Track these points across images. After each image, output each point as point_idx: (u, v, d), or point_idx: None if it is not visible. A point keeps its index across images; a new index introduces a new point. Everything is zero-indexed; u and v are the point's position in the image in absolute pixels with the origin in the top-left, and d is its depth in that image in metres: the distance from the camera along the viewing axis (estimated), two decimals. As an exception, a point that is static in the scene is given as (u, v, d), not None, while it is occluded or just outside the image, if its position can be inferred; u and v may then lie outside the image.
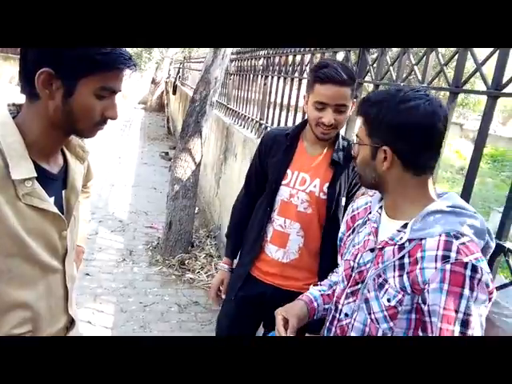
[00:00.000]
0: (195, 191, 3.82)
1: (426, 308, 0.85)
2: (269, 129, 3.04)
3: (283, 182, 1.53)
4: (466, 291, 0.80)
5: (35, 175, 0.86)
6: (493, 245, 0.93)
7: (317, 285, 1.25)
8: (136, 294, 3.08)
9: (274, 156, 1.57)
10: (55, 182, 0.95)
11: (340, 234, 1.20)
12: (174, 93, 11.16)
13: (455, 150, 12.95)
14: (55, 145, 0.94)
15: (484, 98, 1.27)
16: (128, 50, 0.90)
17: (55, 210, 0.91)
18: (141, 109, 15.28)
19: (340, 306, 1.06)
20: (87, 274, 3.20)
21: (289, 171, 1.53)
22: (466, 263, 0.81)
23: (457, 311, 0.81)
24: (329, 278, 1.27)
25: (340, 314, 1.06)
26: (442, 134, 0.91)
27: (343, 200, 1.52)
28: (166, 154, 8.04)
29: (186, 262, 3.56)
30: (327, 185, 1.50)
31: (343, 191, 1.51)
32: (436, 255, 0.85)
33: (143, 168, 6.99)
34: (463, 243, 0.84)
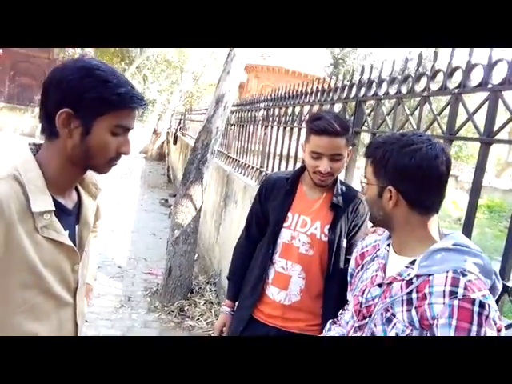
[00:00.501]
0: (195, 237, 3.84)
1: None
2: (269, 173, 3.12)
3: (284, 225, 1.57)
4: (474, 327, 0.82)
5: (53, 208, 0.90)
6: (500, 286, 0.95)
7: (335, 323, 1.25)
8: (133, 341, 3.01)
9: (274, 200, 1.63)
10: (70, 217, 1.00)
11: (350, 270, 1.24)
12: (175, 143, 11.43)
13: (452, 200, 13.10)
14: (71, 181, 0.99)
15: (476, 152, 1.35)
16: (135, 118, 0.97)
17: (70, 243, 0.95)
18: (142, 158, 15.56)
19: None
20: (85, 321, 3.13)
21: (289, 214, 1.58)
22: (474, 299, 0.83)
23: None
24: (342, 316, 1.27)
25: None
26: (444, 177, 0.96)
27: (344, 242, 1.56)
28: (166, 201, 8.11)
29: (186, 309, 3.51)
30: (328, 227, 1.54)
31: (344, 233, 1.56)
32: (444, 291, 0.87)
33: (143, 214, 7.03)
34: (470, 280, 0.87)
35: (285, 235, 1.57)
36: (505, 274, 1.22)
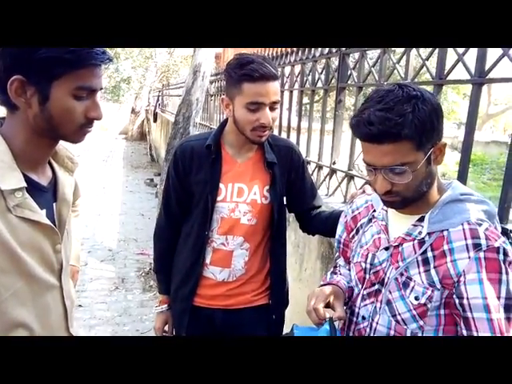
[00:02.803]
0: (185, 213, 3.77)
1: (465, 302, 0.82)
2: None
3: (218, 199, 1.35)
4: (504, 276, 0.80)
5: (25, 185, 0.82)
6: (499, 228, 0.92)
7: (335, 273, 1.16)
8: (132, 321, 2.99)
9: (198, 172, 1.36)
10: (46, 194, 0.92)
11: (337, 237, 1.16)
12: (155, 120, 11.19)
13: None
14: (42, 154, 0.91)
15: (456, 106, 1.29)
16: (106, 81, 0.88)
17: (48, 221, 0.88)
18: (122, 139, 15.24)
19: (356, 309, 1.01)
20: (80, 306, 3.10)
21: (221, 185, 1.35)
22: (498, 248, 0.81)
23: (499, 297, 0.79)
24: (339, 269, 1.17)
25: (357, 318, 1.01)
26: None
27: (284, 199, 1.42)
28: (151, 180, 7.99)
29: (181, 285, 3.49)
30: (267, 188, 1.38)
31: (283, 190, 1.41)
32: (466, 244, 0.83)
33: (129, 196, 6.92)
34: (487, 229, 0.84)
35: (222, 210, 1.36)
36: (503, 211, 1.20)
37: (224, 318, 1.41)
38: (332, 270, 1.20)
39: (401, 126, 0.80)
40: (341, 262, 1.19)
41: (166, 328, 1.54)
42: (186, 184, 1.38)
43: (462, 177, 1.31)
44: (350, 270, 1.11)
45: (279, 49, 2.79)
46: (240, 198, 1.36)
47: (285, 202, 1.43)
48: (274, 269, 1.44)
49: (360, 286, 1.01)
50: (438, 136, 0.85)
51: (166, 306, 1.52)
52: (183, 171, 1.38)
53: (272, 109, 1.27)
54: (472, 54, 1.31)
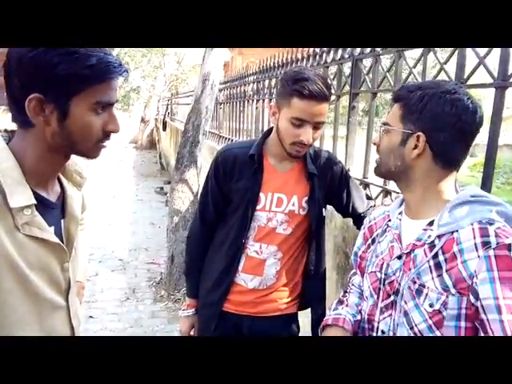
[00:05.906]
0: (195, 222, 3.74)
1: (479, 304, 0.78)
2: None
3: (257, 208, 1.37)
4: None
5: (35, 202, 0.79)
6: None
7: (342, 302, 1.12)
8: (143, 332, 2.95)
9: (238, 180, 1.38)
10: (54, 211, 0.88)
11: (355, 249, 1.13)
12: (164, 129, 11.24)
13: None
14: (53, 170, 0.88)
15: None
16: (117, 89, 0.87)
17: (56, 239, 0.84)
18: (132, 148, 15.33)
19: (376, 324, 0.97)
20: (91, 317, 3.07)
21: (261, 195, 1.37)
22: (509, 245, 0.77)
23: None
24: (348, 297, 1.13)
25: (377, 332, 0.97)
26: (476, 134, 0.89)
27: (324, 211, 1.42)
28: (161, 188, 8.00)
29: (192, 295, 3.45)
30: (306, 199, 1.38)
31: (322, 201, 1.41)
32: (475, 243, 0.80)
33: (139, 205, 6.92)
34: (498, 227, 0.80)
35: (260, 218, 1.37)
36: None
37: (251, 325, 1.41)
38: (340, 296, 1.16)
39: (405, 89, 0.92)
40: (356, 279, 1.16)
41: (192, 332, 1.53)
42: (225, 190, 1.41)
43: (486, 183, 1.26)
44: (363, 286, 1.08)
45: (289, 56, 2.76)
46: (279, 208, 1.37)
47: (324, 214, 1.42)
48: (308, 280, 1.44)
49: (375, 297, 0.98)
50: (424, 129, 0.88)
51: (193, 310, 1.52)
52: (224, 177, 1.40)
53: (315, 128, 1.28)
54: (494, 56, 1.26)
